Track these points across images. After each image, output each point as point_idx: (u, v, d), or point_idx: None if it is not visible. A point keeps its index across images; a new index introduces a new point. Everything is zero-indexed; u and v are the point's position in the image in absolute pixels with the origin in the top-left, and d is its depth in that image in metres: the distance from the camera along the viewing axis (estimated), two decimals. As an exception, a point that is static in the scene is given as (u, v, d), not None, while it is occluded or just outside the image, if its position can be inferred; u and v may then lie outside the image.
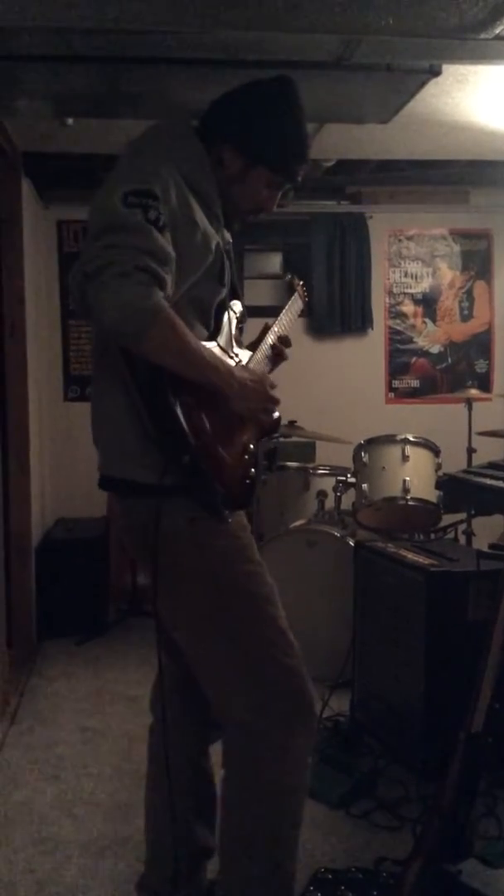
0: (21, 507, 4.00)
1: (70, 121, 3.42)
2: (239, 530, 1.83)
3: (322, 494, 3.95)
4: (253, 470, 1.86)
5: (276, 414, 1.93)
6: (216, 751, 1.96)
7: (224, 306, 1.86)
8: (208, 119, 1.87)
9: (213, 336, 1.81)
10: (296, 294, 2.29)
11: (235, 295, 1.95)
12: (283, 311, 2.18)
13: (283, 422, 2.00)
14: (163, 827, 1.99)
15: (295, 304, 2.26)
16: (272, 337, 2.06)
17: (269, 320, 2.12)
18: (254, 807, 1.77)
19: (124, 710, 3.42)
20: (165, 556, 1.75)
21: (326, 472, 4.03)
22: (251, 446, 1.87)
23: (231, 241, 1.91)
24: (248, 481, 1.84)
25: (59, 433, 4.90)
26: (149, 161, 1.70)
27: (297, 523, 3.84)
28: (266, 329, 2.08)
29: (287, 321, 2.16)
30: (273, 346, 2.05)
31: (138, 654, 3.92)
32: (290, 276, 2.47)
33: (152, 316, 1.53)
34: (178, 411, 1.65)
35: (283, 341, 2.08)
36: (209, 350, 1.70)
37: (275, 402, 1.83)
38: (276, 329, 2.09)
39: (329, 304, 5.05)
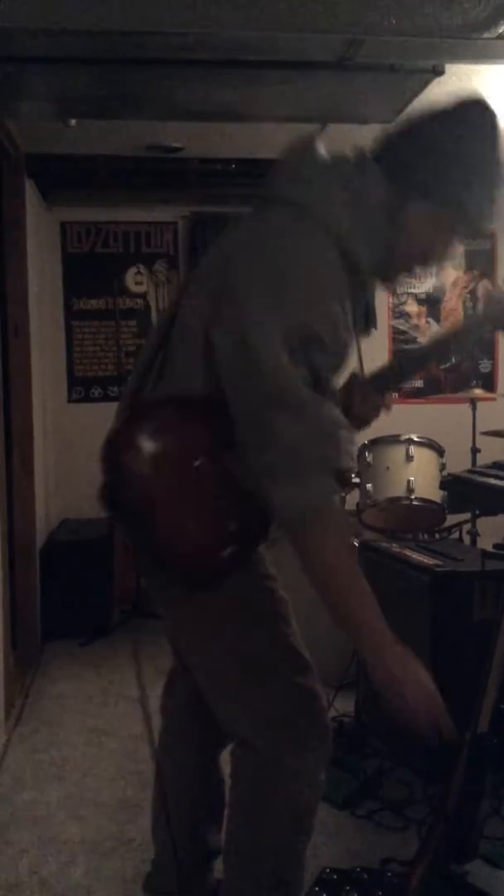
0: (25, 509, 4.00)
1: (73, 122, 3.43)
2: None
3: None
4: (232, 546, 1.59)
5: None
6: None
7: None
8: (393, 151, 1.55)
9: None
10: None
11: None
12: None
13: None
14: (170, 827, 1.98)
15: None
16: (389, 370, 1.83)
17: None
18: (262, 823, 1.70)
19: (129, 710, 3.42)
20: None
21: (330, 472, 4.02)
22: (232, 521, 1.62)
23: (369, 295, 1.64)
24: (224, 553, 1.60)
25: (62, 435, 4.90)
26: (314, 258, 1.43)
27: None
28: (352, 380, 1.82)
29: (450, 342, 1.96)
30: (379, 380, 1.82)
31: (142, 656, 3.92)
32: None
33: (321, 523, 1.41)
34: None
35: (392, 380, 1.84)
36: (376, 614, 1.50)
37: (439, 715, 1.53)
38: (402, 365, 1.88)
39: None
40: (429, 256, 1.61)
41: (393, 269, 1.61)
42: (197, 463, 1.49)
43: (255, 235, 1.54)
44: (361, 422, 1.84)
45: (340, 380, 1.67)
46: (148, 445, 1.53)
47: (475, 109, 1.53)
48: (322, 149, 1.58)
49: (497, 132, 1.51)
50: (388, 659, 1.48)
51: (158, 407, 1.56)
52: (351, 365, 1.64)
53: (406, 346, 5.21)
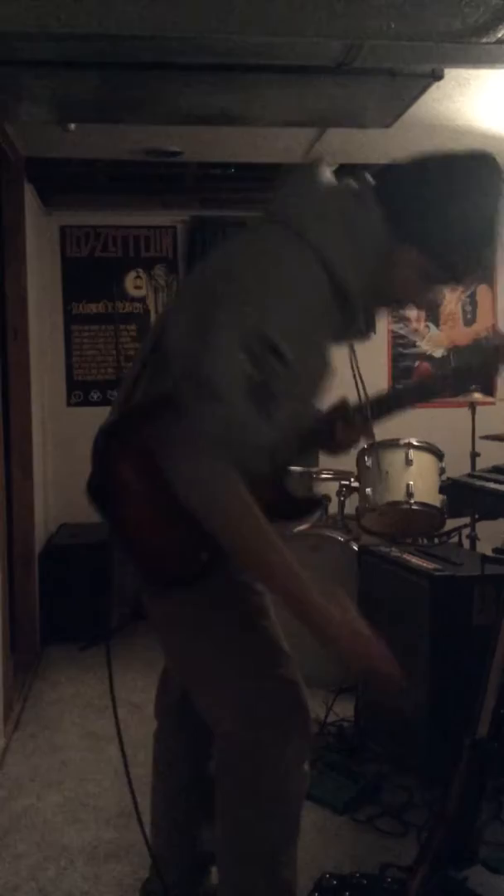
0: (24, 513, 4.00)
1: (72, 126, 3.43)
2: None
3: (325, 499, 3.94)
4: (207, 551, 1.60)
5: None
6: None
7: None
8: (392, 195, 1.55)
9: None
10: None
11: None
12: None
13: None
14: (168, 832, 1.98)
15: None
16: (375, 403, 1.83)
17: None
18: (249, 817, 1.73)
19: (128, 715, 3.41)
20: None
21: (330, 476, 4.03)
22: None
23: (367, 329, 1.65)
24: (200, 556, 1.61)
25: (62, 439, 4.89)
26: (287, 281, 1.46)
27: (301, 528, 3.84)
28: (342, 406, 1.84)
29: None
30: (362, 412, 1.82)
31: (142, 660, 3.91)
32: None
33: (223, 500, 1.45)
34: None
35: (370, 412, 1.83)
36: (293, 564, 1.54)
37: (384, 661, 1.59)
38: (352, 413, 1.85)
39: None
40: (412, 298, 1.64)
41: (375, 303, 1.63)
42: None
43: (244, 248, 1.57)
44: (341, 446, 1.86)
45: (326, 401, 1.69)
46: (130, 454, 1.57)
47: (483, 167, 1.54)
48: (327, 174, 1.59)
49: (499, 192, 1.51)
50: (319, 621, 1.52)
51: (145, 414, 1.57)
52: (329, 391, 1.65)
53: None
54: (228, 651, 1.71)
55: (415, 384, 1.71)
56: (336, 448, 1.87)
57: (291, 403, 1.51)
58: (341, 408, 1.84)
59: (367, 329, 1.62)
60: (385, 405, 1.88)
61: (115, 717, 1.82)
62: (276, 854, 1.75)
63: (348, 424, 1.84)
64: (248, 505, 1.46)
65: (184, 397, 1.43)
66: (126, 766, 1.82)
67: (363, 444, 1.88)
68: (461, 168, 1.53)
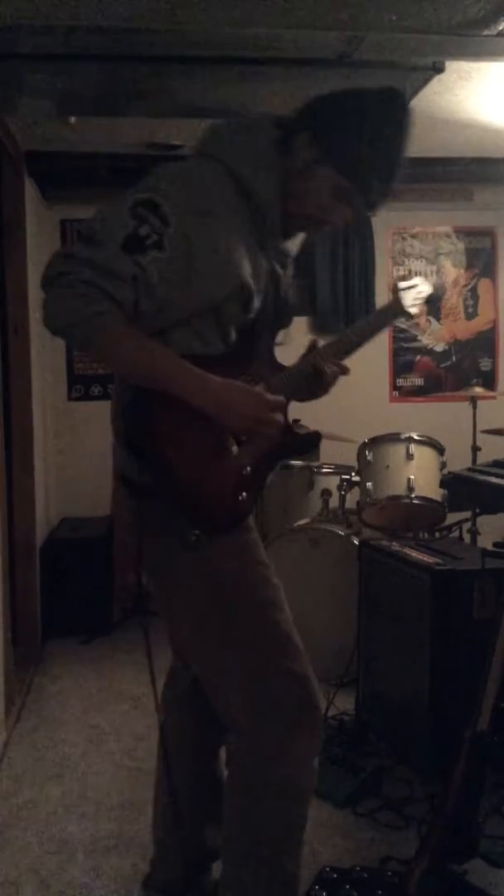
0: (25, 507, 4.00)
1: (73, 119, 3.42)
2: (243, 531, 1.80)
3: (326, 493, 3.94)
4: (246, 492, 1.74)
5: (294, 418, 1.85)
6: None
7: (256, 330, 1.78)
8: (299, 109, 1.74)
9: (238, 356, 1.75)
10: (394, 301, 2.09)
11: (282, 318, 1.88)
12: (363, 323, 2.02)
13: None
14: (171, 826, 1.99)
15: (388, 310, 2.08)
16: (319, 356, 1.90)
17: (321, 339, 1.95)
18: (256, 810, 1.74)
19: (129, 709, 3.42)
20: (167, 559, 1.75)
21: (331, 470, 4.03)
22: (247, 466, 1.75)
23: (288, 255, 1.84)
24: (239, 498, 1.74)
25: (63, 433, 4.90)
26: (189, 174, 1.65)
27: (302, 522, 3.84)
28: (312, 347, 1.93)
29: (364, 331, 2.00)
30: (315, 367, 1.88)
31: (143, 654, 3.91)
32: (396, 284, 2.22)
33: (90, 327, 1.56)
34: (150, 428, 1.64)
35: (333, 366, 1.90)
36: (177, 362, 1.63)
37: (269, 419, 1.70)
38: (328, 349, 1.93)
39: (333, 303, 5.03)
40: (323, 213, 1.75)
41: (291, 219, 1.75)
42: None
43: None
44: (324, 387, 1.92)
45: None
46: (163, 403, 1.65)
47: (397, 100, 1.70)
48: (251, 119, 1.78)
49: (406, 125, 1.68)
50: (212, 392, 1.64)
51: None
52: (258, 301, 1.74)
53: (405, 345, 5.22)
54: (241, 642, 1.73)
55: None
56: (322, 389, 1.93)
57: (181, 281, 1.60)
58: (313, 346, 1.94)
59: (284, 235, 1.78)
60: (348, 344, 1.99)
61: (154, 693, 1.82)
62: (282, 847, 1.76)
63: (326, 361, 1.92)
64: (121, 335, 1.58)
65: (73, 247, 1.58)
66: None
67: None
68: (374, 100, 1.68)
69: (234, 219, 1.66)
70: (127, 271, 1.55)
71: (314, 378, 1.88)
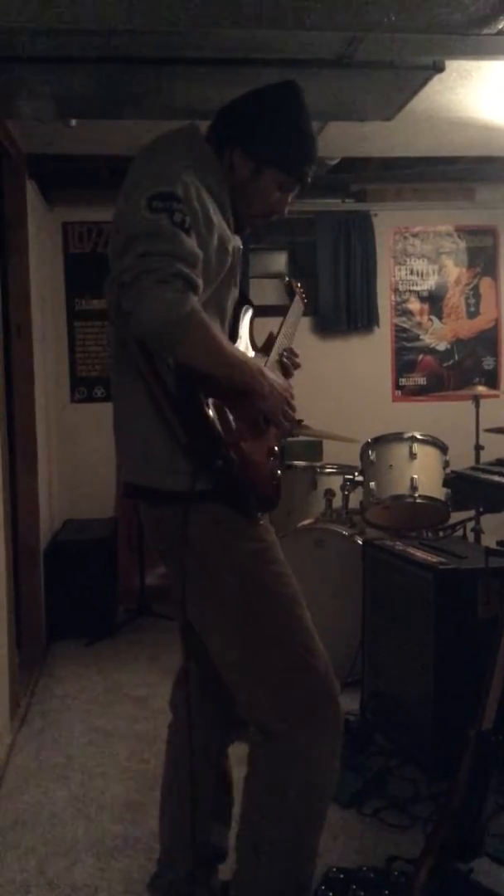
0: (29, 509, 4.01)
1: (74, 122, 3.42)
2: (264, 532, 1.82)
3: (330, 493, 3.94)
4: (279, 471, 1.87)
5: (298, 418, 1.95)
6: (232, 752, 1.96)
7: (237, 309, 1.87)
8: (217, 124, 1.89)
9: (231, 338, 1.82)
10: (296, 297, 2.27)
11: (245, 298, 1.96)
12: (287, 317, 2.15)
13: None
14: (178, 827, 1.99)
15: (296, 307, 2.24)
16: (280, 349, 2.03)
17: (274, 328, 2.07)
18: (276, 809, 1.74)
19: (134, 710, 3.42)
20: (194, 559, 1.75)
21: (334, 470, 4.03)
22: (275, 448, 1.87)
23: (241, 246, 1.92)
24: (274, 482, 1.84)
25: (66, 435, 4.90)
26: (167, 164, 1.71)
27: (305, 522, 3.84)
28: (272, 339, 2.05)
29: (292, 327, 2.15)
30: (281, 358, 2.02)
31: (147, 655, 3.92)
32: (287, 279, 2.42)
33: (189, 321, 1.56)
34: (211, 413, 1.66)
35: (291, 357, 2.05)
36: (240, 350, 1.76)
37: (293, 405, 1.84)
38: (283, 341, 2.06)
39: (335, 303, 5.04)
40: (270, 208, 1.89)
41: (249, 211, 1.88)
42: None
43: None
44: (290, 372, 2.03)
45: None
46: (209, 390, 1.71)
47: (292, 87, 1.86)
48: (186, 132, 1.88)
49: (301, 105, 1.85)
50: (266, 376, 1.75)
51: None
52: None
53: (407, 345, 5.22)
54: (270, 642, 1.74)
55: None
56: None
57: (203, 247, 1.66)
58: (272, 337, 2.05)
59: (238, 228, 1.87)
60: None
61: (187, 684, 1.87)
62: (300, 846, 1.76)
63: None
64: (207, 325, 1.61)
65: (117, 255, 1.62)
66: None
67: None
68: (279, 95, 1.85)
69: (211, 203, 1.74)
70: (199, 255, 1.61)
71: (284, 369, 2.01)
